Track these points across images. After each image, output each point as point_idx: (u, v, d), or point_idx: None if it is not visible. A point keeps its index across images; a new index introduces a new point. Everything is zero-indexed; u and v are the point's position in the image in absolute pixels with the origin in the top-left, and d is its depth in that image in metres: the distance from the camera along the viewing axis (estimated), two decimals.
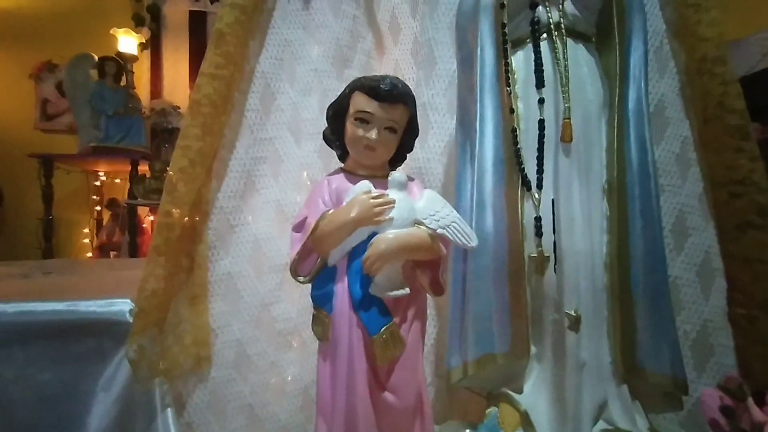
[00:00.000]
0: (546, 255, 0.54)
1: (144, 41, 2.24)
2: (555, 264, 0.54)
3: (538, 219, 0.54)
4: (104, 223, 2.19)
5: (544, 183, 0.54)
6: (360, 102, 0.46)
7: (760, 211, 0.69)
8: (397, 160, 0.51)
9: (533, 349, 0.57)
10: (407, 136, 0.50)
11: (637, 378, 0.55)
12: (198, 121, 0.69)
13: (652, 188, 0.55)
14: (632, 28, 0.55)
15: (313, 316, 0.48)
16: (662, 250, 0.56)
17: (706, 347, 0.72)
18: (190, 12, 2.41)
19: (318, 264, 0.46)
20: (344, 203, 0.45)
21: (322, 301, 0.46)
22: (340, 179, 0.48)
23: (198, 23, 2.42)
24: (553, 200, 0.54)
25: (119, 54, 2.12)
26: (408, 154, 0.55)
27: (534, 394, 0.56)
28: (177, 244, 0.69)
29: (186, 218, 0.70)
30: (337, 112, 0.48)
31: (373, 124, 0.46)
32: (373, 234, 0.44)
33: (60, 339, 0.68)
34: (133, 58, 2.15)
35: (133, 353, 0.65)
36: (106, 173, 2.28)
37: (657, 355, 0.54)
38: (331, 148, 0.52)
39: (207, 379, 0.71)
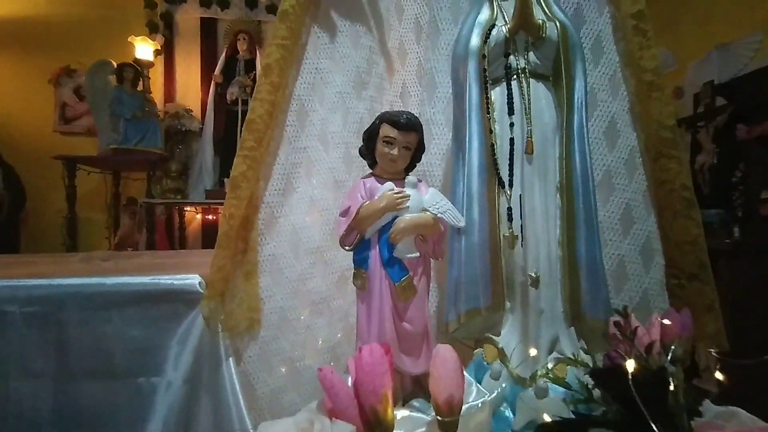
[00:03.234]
0: (515, 235, 0.81)
1: (159, 48, 2.48)
2: (522, 241, 0.81)
3: (509, 209, 0.82)
4: (121, 221, 2.44)
5: (513, 183, 0.82)
6: (386, 130, 0.74)
7: (686, 204, 0.96)
8: (410, 168, 0.79)
9: (507, 304, 0.84)
10: (417, 151, 0.78)
11: (581, 322, 0.83)
12: (254, 136, 0.94)
13: (591, 187, 0.83)
14: (575, 71, 0.83)
15: (354, 273, 0.75)
16: (598, 232, 0.83)
17: (647, 310, 0.98)
18: (202, 19, 2.66)
19: (358, 238, 0.74)
20: (376, 197, 0.73)
21: (360, 262, 0.73)
22: (372, 181, 0.77)
23: (209, 30, 2.68)
24: (520, 195, 0.82)
25: (136, 60, 2.35)
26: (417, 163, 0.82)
27: (508, 336, 0.83)
28: (236, 232, 0.94)
29: (243, 211, 0.96)
30: (370, 136, 0.76)
31: (395, 144, 0.74)
32: (395, 217, 0.72)
33: (146, 304, 0.89)
34: (150, 64, 2.39)
35: (206, 312, 0.89)
36: (125, 174, 2.52)
37: (594, 306, 0.82)
38: (365, 159, 0.79)
39: (257, 338, 0.91)
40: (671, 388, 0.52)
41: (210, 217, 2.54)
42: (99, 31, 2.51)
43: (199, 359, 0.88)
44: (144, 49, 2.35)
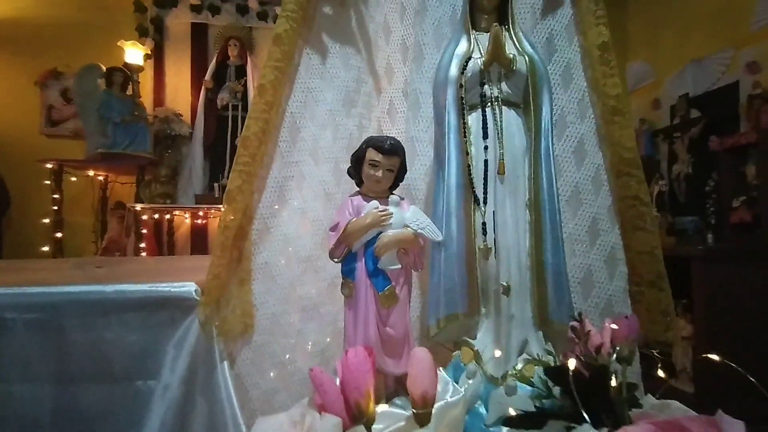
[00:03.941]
0: (489, 247, 0.91)
1: (149, 52, 2.52)
2: (495, 253, 0.91)
3: (484, 224, 0.92)
4: (109, 226, 2.46)
5: (487, 200, 0.92)
6: (372, 154, 0.84)
7: (644, 218, 1.08)
8: (393, 187, 0.89)
9: (482, 310, 0.94)
10: (399, 173, 0.88)
11: (548, 327, 0.93)
12: (248, 151, 1.01)
13: (556, 204, 0.94)
14: (542, 100, 0.94)
15: (342, 283, 0.84)
16: (563, 244, 0.94)
17: (610, 315, 1.10)
18: (192, 24, 2.71)
19: (346, 251, 0.83)
20: (362, 214, 0.83)
21: (348, 273, 0.83)
22: (359, 199, 0.86)
23: (199, 35, 2.72)
24: (493, 211, 0.92)
25: (126, 64, 2.38)
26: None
27: (483, 339, 0.93)
28: (232, 241, 1.02)
29: (238, 222, 1.03)
30: (358, 159, 0.86)
31: (379, 167, 0.83)
32: (380, 233, 0.82)
33: (144, 310, 0.93)
34: (139, 69, 2.43)
35: (203, 317, 0.96)
36: (113, 178, 2.55)
37: (559, 311, 0.92)
38: (352, 179, 0.89)
39: (250, 342, 0.96)
40: (613, 383, 0.62)
41: (199, 221, 2.59)
42: (88, 34, 2.53)
43: (194, 363, 0.94)
44: (134, 53, 2.39)
